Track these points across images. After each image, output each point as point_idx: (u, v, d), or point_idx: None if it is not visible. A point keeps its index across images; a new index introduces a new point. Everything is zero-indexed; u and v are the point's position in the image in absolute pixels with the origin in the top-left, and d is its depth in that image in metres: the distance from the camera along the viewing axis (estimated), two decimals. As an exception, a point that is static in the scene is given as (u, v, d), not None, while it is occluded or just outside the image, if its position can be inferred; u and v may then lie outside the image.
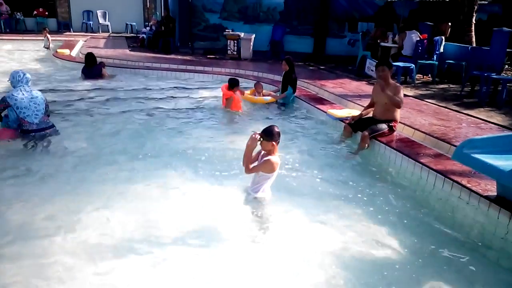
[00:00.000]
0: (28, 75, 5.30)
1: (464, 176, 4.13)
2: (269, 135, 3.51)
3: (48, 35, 13.36)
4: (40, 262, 2.99)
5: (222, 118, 6.72)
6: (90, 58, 9.26)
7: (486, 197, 3.69)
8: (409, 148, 4.98)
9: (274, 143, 3.52)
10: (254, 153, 3.67)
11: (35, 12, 18.18)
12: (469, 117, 6.47)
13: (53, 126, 5.40)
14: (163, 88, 8.62)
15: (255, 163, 3.67)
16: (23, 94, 5.12)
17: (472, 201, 3.82)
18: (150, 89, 8.52)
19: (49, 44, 13.27)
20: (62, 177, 4.39)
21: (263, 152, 3.67)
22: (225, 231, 3.46)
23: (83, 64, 9.35)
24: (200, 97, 8.00)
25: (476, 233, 3.58)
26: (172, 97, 7.99)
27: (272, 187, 3.80)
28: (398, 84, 5.44)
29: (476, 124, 6.08)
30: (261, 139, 3.49)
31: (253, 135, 3.51)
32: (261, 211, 3.72)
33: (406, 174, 4.63)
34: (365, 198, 4.14)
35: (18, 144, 5.05)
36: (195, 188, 4.20)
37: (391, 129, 5.38)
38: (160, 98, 7.82)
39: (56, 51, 12.15)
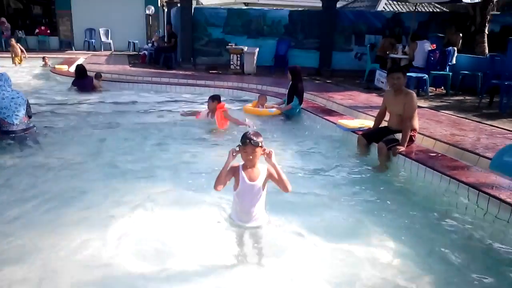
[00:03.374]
0: (6, 75, 5.13)
1: (502, 189, 3.54)
2: (256, 139, 2.90)
3: (47, 61, 13.08)
4: None
5: (218, 134, 6.12)
6: (80, 70, 9.17)
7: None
8: (433, 160, 4.41)
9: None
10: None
11: (37, 31, 18.08)
12: (493, 127, 5.89)
13: (33, 127, 5.24)
14: (159, 102, 8.19)
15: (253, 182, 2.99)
16: (3, 94, 4.96)
17: (514, 219, 3.22)
18: (144, 103, 8.11)
19: (47, 66, 12.98)
20: (31, 182, 4.03)
21: (254, 167, 3.00)
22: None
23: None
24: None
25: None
26: (168, 110, 7.50)
27: (276, 211, 3.22)
28: (410, 91, 4.89)
29: (502, 134, 5.50)
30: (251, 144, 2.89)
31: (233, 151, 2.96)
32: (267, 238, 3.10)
33: (431, 189, 4.04)
34: (385, 217, 3.55)
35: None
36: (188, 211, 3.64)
37: (410, 139, 4.82)
38: (154, 113, 7.35)
39: (54, 67, 11.83)
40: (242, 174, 2.98)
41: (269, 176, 3.04)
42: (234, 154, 2.99)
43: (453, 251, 3.04)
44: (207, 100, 6.33)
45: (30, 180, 4.11)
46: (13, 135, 4.99)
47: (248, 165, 2.99)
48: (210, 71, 12.16)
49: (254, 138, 2.90)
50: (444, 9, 16.38)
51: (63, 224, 3.25)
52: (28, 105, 5.23)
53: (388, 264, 2.90)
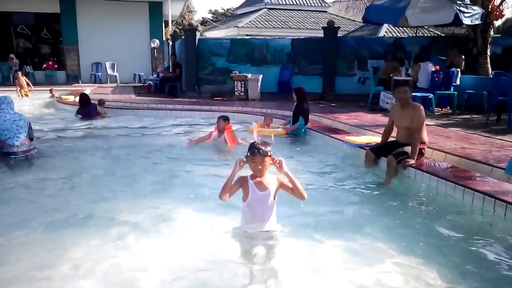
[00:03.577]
0: (10, 98, 5.15)
1: (520, 196, 3.40)
2: (265, 149, 2.84)
3: (54, 93, 13.30)
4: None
5: (228, 152, 6.07)
6: (83, 98, 9.32)
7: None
8: (445, 171, 4.30)
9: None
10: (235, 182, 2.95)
11: (44, 65, 18.44)
12: (503, 141, 5.79)
13: (34, 149, 5.23)
14: (165, 127, 8.16)
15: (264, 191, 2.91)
16: (5, 117, 5.00)
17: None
18: (149, 127, 8.07)
19: (54, 97, 13.17)
20: (35, 203, 3.94)
21: (263, 177, 2.92)
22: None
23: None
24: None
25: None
26: (174, 134, 7.48)
27: (287, 222, 3.11)
28: (417, 104, 4.87)
29: (514, 147, 5.39)
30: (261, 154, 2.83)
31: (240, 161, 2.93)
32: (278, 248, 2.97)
33: (446, 200, 3.91)
34: (399, 228, 3.41)
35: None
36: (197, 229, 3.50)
37: (420, 152, 4.71)
38: (160, 136, 7.31)
39: (61, 97, 11.98)
40: (252, 184, 2.89)
41: (281, 185, 2.95)
42: (241, 164, 2.92)
43: (475, 262, 2.88)
44: (216, 121, 6.30)
45: (31, 200, 4.01)
46: (14, 156, 4.98)
47: (257, 175, 2.91)
48: (215, 98, 12.25)
49: (263, 148, 2.83)
50: (442, 34, 16.57)
51: (68, 244, 3.08)
52: (30, 128, 5.25)
53: (404, 276, 2.72)
